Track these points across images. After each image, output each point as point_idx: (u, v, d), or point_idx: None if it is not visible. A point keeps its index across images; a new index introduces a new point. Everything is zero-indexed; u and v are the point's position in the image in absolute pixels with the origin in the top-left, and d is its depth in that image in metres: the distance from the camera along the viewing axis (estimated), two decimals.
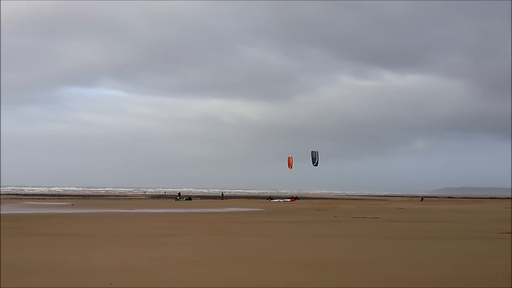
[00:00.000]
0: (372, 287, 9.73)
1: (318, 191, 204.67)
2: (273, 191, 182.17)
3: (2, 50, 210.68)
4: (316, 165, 42.09)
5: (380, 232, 20.99)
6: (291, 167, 45.19)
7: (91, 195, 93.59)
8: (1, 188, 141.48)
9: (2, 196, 74.86)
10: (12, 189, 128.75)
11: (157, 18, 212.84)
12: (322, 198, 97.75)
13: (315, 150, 43.22)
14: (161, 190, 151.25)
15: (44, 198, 69.79)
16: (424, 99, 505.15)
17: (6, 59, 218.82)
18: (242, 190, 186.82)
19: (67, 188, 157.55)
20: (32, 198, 69.07)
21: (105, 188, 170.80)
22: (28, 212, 34.72)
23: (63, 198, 71.28)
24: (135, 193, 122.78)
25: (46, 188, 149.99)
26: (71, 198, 71.86)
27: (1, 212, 33.50)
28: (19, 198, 67.70)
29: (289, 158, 44.77)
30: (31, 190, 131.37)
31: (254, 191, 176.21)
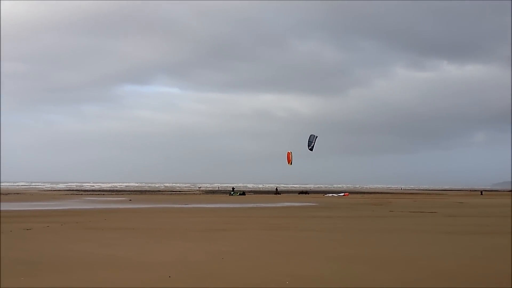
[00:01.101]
0: (430, 283, 9.55)
1: (373, 186, 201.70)
2: (328, 186, 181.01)
3: (62, 50, 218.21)
4: (311, 149, 39.36)
5: (438, 227, 20.51)
6: (290, 163, 42.92)
7: (147, 191, 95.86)
8: (63, 184, 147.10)
9: (64, 193, 77.82)
10: (75, 186, 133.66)
11: (210, 15, 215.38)
12: (377, 193, 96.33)
13: (314, 135, 40.35)
14: (215, 186, 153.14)
15: (103, 194, 72.04)
16: (484, 90, 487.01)
17: (65, 59, 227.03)
18: (297, 185, 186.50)
19: (125, 184, 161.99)
20: (92, 194, 71.45)
21: (161, 183, 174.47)
22: (88, 207, 35.96)
23: (121, 194, 73.34)
24: (190, 188, 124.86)
25: (105, 184, 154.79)
26: (129, 194, 73.84)
27: (65, 208, 34.87)
28: (79, 194, 70.20)
29: (288, 154, 42.71)
30: (91, 186, 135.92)
31: (308, 186, 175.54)
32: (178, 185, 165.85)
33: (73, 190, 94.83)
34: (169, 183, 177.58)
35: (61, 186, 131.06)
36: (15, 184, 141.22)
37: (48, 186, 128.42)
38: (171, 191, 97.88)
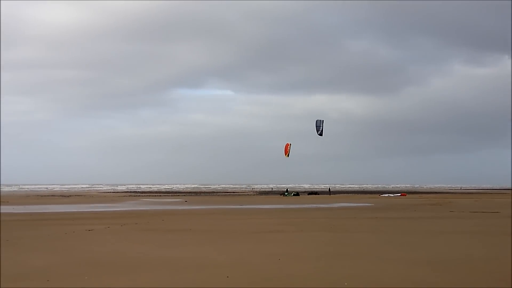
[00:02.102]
0: (494, 286, 9.18)
1: (432, 186, 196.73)
2: (386, 186, 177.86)
3: (117, 56, 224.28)
4: (320, 134, 37.70)
5: (501, 228, 19.71)
6: (287, 155, 41.29)
7: (202, 192, 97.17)
8: (122, 186, 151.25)
9: (122, 194, 79.97)
10: (133, 187, 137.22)
11: (260, 17, 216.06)
12: (436, 193, 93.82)
13: (321, 119, 38.67)
14: (268, 186, 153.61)
15: (160, 195, 73.56)
16: None
17: (121, 65, 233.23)
18: (351, 185, 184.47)
19: (181, 186, 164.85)
20: (149, 196, 73.08)
21: (216, 185, 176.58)
22: (146, 209, 36.77)
23: (177, 195, 74.67)
24: (243, 189, 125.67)
25: (161, 186, 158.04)
26: (184, 195, 75.07)
27: (124, 209, 35.81)
28: (137, 196, 71.96)
29: (286, 145, 41.09)
30: (148, 188, 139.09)
31: (364, 186, 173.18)
32: (232, 186, 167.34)
33: (131, 192, 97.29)
34: (223, 184, 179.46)
35: (120, 188, 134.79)
36: (76, 186, 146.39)
37: (107, 188, 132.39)
38: (225, 192, 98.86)
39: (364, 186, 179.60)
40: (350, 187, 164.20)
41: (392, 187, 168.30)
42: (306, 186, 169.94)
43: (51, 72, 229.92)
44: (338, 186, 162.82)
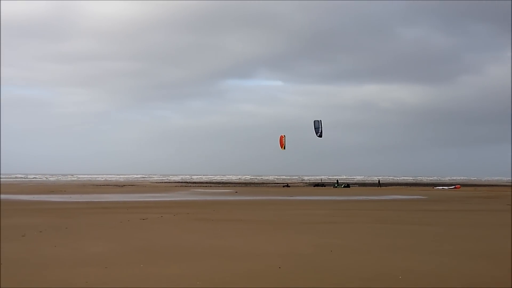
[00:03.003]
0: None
1: (490, 178, 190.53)
2: (440, 178, 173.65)
3: (168, 48, 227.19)
4: (320, 136, 35.75)
5: None
6: (283, 148, 39.29)
7: (252, 183, 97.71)
8: (174, 177, 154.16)
9: (174, 184, 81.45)
10: (185, 178, 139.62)
11: (310, 6, 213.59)
12: (493, 185, 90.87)
13: (319, 120, 36.63)
14: (319, 178, 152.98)
15: (211, 186, 74.48)
16: None
17: (172, 56, 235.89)
18: (404, 178, 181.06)
19: (231, 176, 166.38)
20: (200, 186, 74.11)
21: (265, 175, 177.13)
22: (197, 199, 37.34)
23: (227, 186, 75.39)
24: (294, 180, 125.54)
25: (212, 177, 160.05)
26: (235, 186, 75.68)
27: (176, 199, 36.49)
28: (189, 186, 73.10)
29: (281, 137, 39.09)
30: (199, 178, 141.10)
31: (418, 178, 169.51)
32: (283, 177, 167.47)
33: (182, 182, 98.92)
34: (274, 175, 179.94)
35: (172, 178, 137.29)
36: (130, 176, 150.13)
37: (159, 178, 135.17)
38: (274, 183, 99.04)
39: (418, 178, 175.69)
40: (403, 179, 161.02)
41: (448, 179, 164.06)
42: (358, 178, 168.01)
43: (105, 64, 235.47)
44: (391, 178, 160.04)
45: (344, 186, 72.42)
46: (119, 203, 30.39)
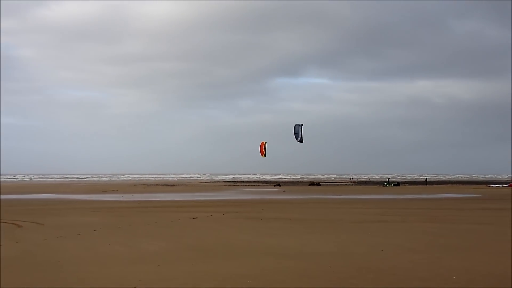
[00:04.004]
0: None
1: None
2: (497, 176, 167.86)
3: (217, 48, 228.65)
4: (300, 141, 33.86)
5: None
6: (264, 155, 37.34)
7: (300, 182, 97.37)
8: (222, 176, 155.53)
9: (222, 184, 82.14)
10: (235, 177, 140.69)
11: (361, 3, 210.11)
12: None
13: (299, 124, 34.62)
14: (369, 176, 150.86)
15: (259, 185, 74.67)
16: None
17: (221, 56, 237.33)
18: (459, 175, 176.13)
19: (279, 175, 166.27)
20: (248, 185, 74.43)
21: (314, 174, 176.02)
22: (246, 198, 37.50)
23: (275, 185, 75.36)
24: (343, 179, 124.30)
25: (260, 176, 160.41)
26: (283, 185, 75.58)
27: (225, 198, 36.79)
28: (237, 185, 73.55)
29: (261, 144, 37.18)
30: (248, 177, 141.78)
31: (474, 176, 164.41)
32: (331, 176, 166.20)
33: (231, 181, 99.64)
34: (323, 174, 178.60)
35: (222, 177, 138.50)
36: (181, 176, 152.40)
37: (208, 177, 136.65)
38: (323, 182, 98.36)
39: (474, 176, 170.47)
40: (458, 177, 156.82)
41: (505, 177, 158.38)
42: (410, 176, 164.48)
43: (155, 65, 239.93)
44: (444, 176, 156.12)
45: (394, 185, 71.12)
46: (169, 202, 30.91)
